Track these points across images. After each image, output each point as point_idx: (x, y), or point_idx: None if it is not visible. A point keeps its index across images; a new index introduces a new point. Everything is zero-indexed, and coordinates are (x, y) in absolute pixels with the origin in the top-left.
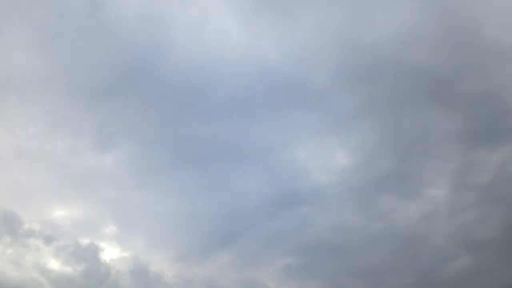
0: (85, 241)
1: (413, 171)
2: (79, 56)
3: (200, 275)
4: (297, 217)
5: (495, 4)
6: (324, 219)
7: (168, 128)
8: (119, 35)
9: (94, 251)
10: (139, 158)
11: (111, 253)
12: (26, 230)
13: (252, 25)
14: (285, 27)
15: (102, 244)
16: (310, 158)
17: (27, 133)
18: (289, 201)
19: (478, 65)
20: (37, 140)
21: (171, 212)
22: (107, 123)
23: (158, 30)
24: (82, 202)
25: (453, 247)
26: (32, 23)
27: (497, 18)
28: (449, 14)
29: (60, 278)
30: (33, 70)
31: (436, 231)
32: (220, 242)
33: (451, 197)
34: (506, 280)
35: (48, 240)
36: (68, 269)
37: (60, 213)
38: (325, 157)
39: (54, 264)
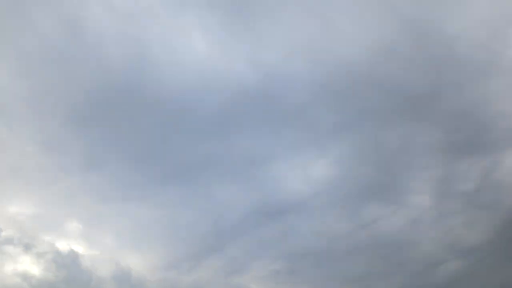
0: (65, 247)
1: (395, 180)
2: (63, 80)
3: (186, 282)
4: (282, 225)
5: (467, 23)
6: (308, 227)
7: (154, 145)
8: (100, 59)
9: (73, 257)
10: (126, 174)
11: (94, 260)
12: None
13: (227, 44)
14: (259, 44)
15: (87, 252)
16: (291, 170)
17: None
18: (273, 211)
19: (452, 82)
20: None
21: (157, 222)
22: (94, 142)
23: (138, 53)
24: (69, 214)
25: (441, 252)
26: (17, 49)
27: (469, 37)
28: (422, 33)
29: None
30: (20, 95)
31: (422, 236)
32: (208, 250)
33: (435, 204)
34: (495, 284)
35: (27, 247)
36: (49, 275)
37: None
38: (307, 169)
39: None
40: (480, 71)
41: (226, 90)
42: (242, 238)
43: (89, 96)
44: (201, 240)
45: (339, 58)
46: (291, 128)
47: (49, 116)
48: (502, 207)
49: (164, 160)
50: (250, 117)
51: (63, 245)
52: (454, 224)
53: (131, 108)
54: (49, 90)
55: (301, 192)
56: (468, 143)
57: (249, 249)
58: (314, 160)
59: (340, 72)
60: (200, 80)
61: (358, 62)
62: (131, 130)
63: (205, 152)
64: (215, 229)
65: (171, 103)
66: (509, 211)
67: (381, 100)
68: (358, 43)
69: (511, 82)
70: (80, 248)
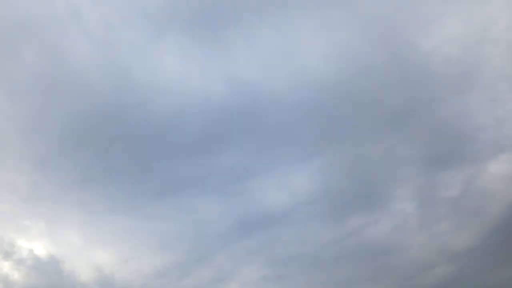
0: (50, 254)
1: (378, 190)
2: (50, 105)
3: None
4: (268, 235)
5: (440, 40)
6: (294, 235)
7: (140, 164)
8: (84, 85)
9: (55, 264)
10: (114, 189)
11: (79, 269)
12: None
13: (206, 66)
14: (237, 64)
15: (75, 262)
16: (275, 183)
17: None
18: (259, 221)
19: (428, 97)
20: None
21: (145, 234)
22: (83, 161)
23: (120, 78)
24: (59, 226)
25: (428, 257)
26: (4, 76)
27: (443, 53)
28: (397, 50)
29: None
30: (13, 118)
31: (410, 242)
32: (195, 259)
33: (420, 210)
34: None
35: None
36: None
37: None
38: (290, 182)
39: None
40: (455, 86)
41: (207, 109)
42: (229, 248)
43: (77, 118)
44: (188, 250)
45: (316, 75)
46: (273, 143)
47: (38, 139)
48: (487, 212)
49: (151, 177)
50: (232, 134)
51: (49, 253)
52: (440, 229)
53: (117, 129)
54: (38, 114)
55: (286, 203)
56: (450, 154)
57: (236, 257)
58: (296, 173)
59: (318, 88)
60: (181, 100)
61: (335, 79)
62: (118, 149)
63: (190, 169)
64: (202, 239)
65: (155, 124)
66: (495, 216)
67: (361, 115)
68: (333, 60)
69: (486, 96)
70: (68, 257)
